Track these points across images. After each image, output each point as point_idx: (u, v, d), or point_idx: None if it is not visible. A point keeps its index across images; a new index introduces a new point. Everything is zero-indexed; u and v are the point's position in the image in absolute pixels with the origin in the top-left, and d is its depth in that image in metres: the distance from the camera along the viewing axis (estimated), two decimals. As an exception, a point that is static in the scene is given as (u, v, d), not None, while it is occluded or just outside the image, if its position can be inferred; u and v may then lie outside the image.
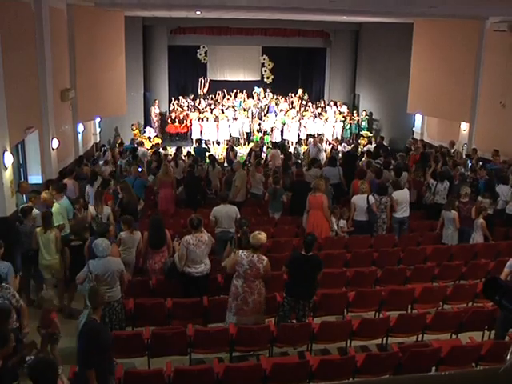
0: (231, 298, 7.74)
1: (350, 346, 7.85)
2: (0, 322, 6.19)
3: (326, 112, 25.12)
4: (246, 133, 24.34)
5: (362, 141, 23.82)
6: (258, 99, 26.21)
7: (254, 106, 25.50)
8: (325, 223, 11.12)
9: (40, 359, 5.63)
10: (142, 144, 19.71)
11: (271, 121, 24.07)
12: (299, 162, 17.11)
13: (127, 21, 19.87)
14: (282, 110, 25.02)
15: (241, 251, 7.77)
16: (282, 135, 23.87)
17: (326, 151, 20.46)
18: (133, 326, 8.02)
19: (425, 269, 9.91)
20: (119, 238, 9.08)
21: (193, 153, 18.31)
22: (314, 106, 25.89)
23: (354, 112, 25.60)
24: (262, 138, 23.45)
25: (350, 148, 21.94)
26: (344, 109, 25.62)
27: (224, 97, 26.52)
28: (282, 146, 19.65)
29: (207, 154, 18.50)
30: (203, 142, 22.24)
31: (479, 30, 17.68)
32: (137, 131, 22.75)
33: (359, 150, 19.25)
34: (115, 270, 7.51)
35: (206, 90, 26.79)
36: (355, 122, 25.14)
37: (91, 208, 10.38)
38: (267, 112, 25.21)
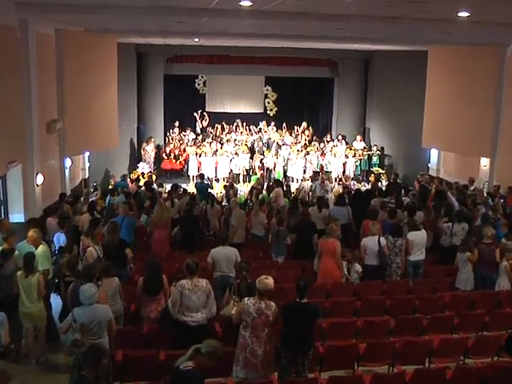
0: (239, 350, 7.60)
1: (361, 405, 7.69)
2: None
3: (333, 147, 25.21)
4: (246, 169, 24.36)
5: (372, 178, 23.70)
6: (260, 132, 26.28)
7: (256, 140, 25.60)
8: (336, 271, 10.94)
9: None
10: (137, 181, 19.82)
11: (281, 156, 24.27)
12: (309, 201, 16.95)
13: (120, 47, 20.00)
14: (284, 144, 25.16)
15: (246, 299, 7.67)
16: (284, 172, 23.99)
17: (333, 189, 20.41)
18: (121, 380, 7.86)
19: (443, 318, 9.78)
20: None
21: (194, 189, 18.21)
22: (325, 141, 25.96)
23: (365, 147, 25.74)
24: (262, 175, 23.44)
25: (359, 186, 21.90)
26: (361, 144, 25.70)
27: (223, 130, 26.57)
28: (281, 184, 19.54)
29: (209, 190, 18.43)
30: (206, 177, 21.95)
31: (499, 57, 17.71)
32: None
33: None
34: (103, 318, 7.37)
35: (205, 124, 26.81)
36: (365, 157, 25.23)
37: (91, 249, 10.29)
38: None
